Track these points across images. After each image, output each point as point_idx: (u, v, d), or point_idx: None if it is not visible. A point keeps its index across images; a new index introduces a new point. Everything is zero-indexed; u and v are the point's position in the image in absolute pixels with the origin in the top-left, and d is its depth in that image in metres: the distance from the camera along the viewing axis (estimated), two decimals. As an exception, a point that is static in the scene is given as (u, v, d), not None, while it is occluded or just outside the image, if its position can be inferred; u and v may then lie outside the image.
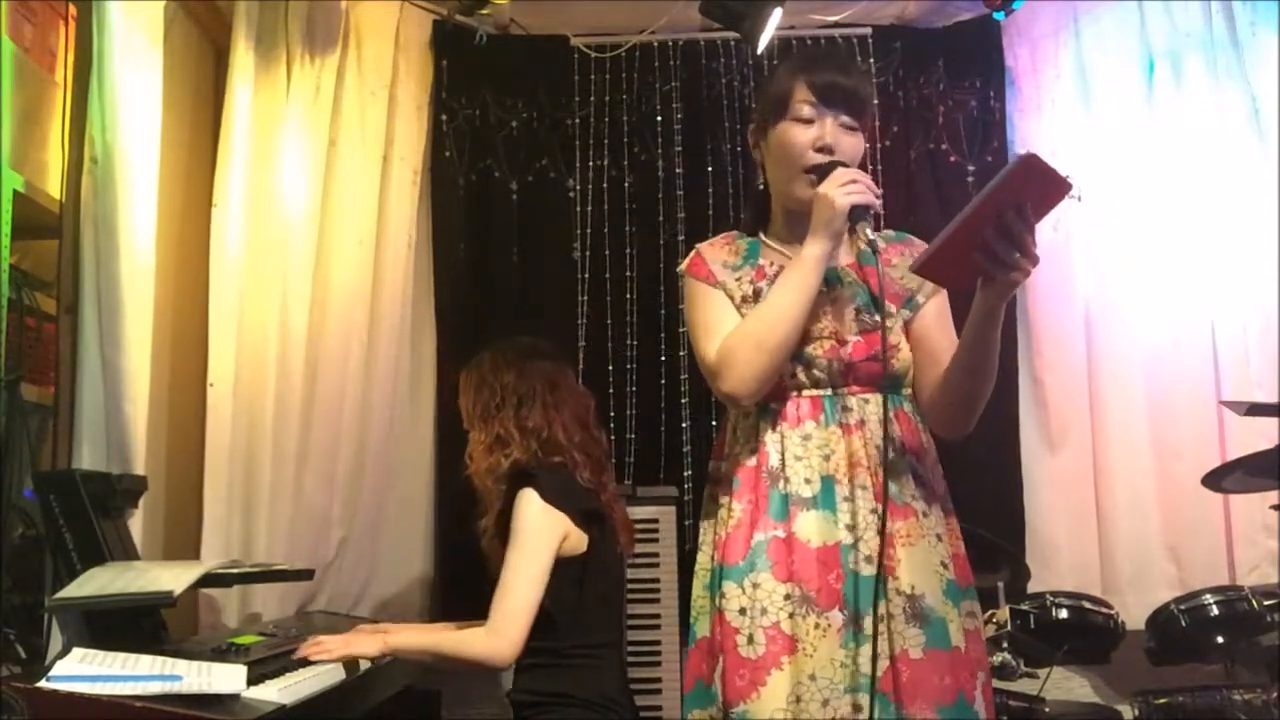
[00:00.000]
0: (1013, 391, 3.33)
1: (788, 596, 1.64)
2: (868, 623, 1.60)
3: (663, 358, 3.41)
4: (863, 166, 1.78)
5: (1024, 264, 1.50)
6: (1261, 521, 3.08)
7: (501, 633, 2.04)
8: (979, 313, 1.59)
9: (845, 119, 1.74)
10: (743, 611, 1.65)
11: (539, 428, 2.24)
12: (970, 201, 1.49)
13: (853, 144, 1.75)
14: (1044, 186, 1.49)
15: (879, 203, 1.68)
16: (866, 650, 1.59)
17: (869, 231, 1.64)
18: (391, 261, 3.29)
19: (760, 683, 1.60)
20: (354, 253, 3.18)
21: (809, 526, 1.66)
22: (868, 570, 1.63)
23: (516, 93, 3.53)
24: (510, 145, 3.51)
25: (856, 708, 1.59)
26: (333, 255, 3.13)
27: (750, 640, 1.63)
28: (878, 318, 1.73)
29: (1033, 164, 1.46)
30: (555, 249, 3.48)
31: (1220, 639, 2.70)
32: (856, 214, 1.65)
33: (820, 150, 1.72)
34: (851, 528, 1.66)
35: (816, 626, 1.62)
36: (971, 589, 1.75)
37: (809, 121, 1.73)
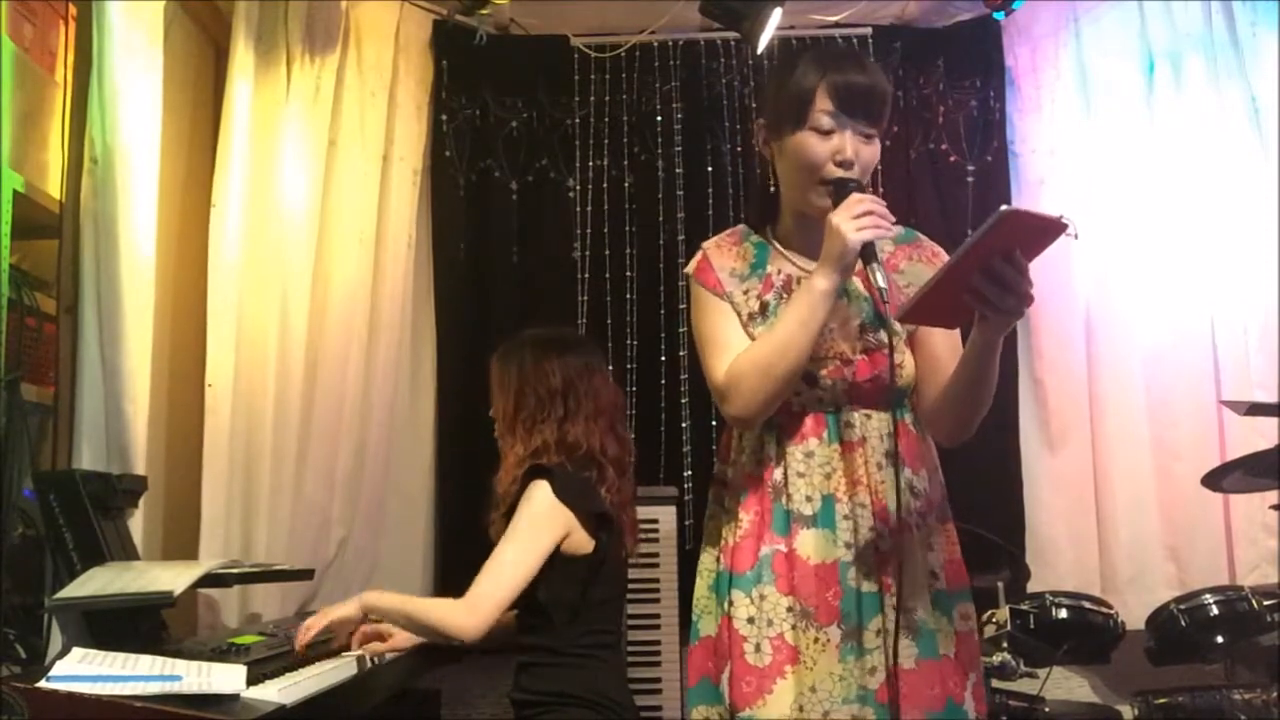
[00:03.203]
0: (1013, 391, 3.33)
1: (790, 609, 1.67)
2: (866, 636, 1.64)
3: (663, 357, 3.42)
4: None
5: (1017, 307, 1.47)
6: (1261, 521, 3.08)
7: (474, 608, 2.00)
8: (976, 346, 1.58)
9: (864, 128, 1.70)
10: (751, 621, 1.68)
11: (578, 442, 2.19)
12: (954, 252, 1.44)
13: (870, 153, 1.71)
14: (1031, 232, 1.43)
15: (892, 231, 1.66)
16: (865, 663, 1.63)
17: (879, 277, 1.60)
18: (391, 261, 3.30)
19: (767, 690, 1.64)
20: (354, 253, 3.18)
21: (808, 544, 1.69)
22: (866, 586, 1.66)
23: (516, 93, 3.53)
24: (510, 145, 3.51)
25: (855, 718, 1.62)
26: (333, 255, 3.13)
27: (757, 649, 1.67)
28: (882, 336, 1.72)
29: (1013, 219, 1.39)
30: (555, 249, 3.48)
31: (1220, 639, 2.70)
32: (868, 251, 1.61)
33: (839, 164, 1.68)
34: (850, 545, 1.68)
35: (816, 641, 1.65)
36: (966, 591, 1.76)
37: (828, 132, 1.68)
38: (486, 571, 2.05)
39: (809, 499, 1.70)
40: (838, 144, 1.68)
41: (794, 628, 1.66)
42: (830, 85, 1.68)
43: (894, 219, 1.65)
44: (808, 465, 1.71)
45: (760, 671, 1.65)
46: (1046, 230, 1.43)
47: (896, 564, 1.67)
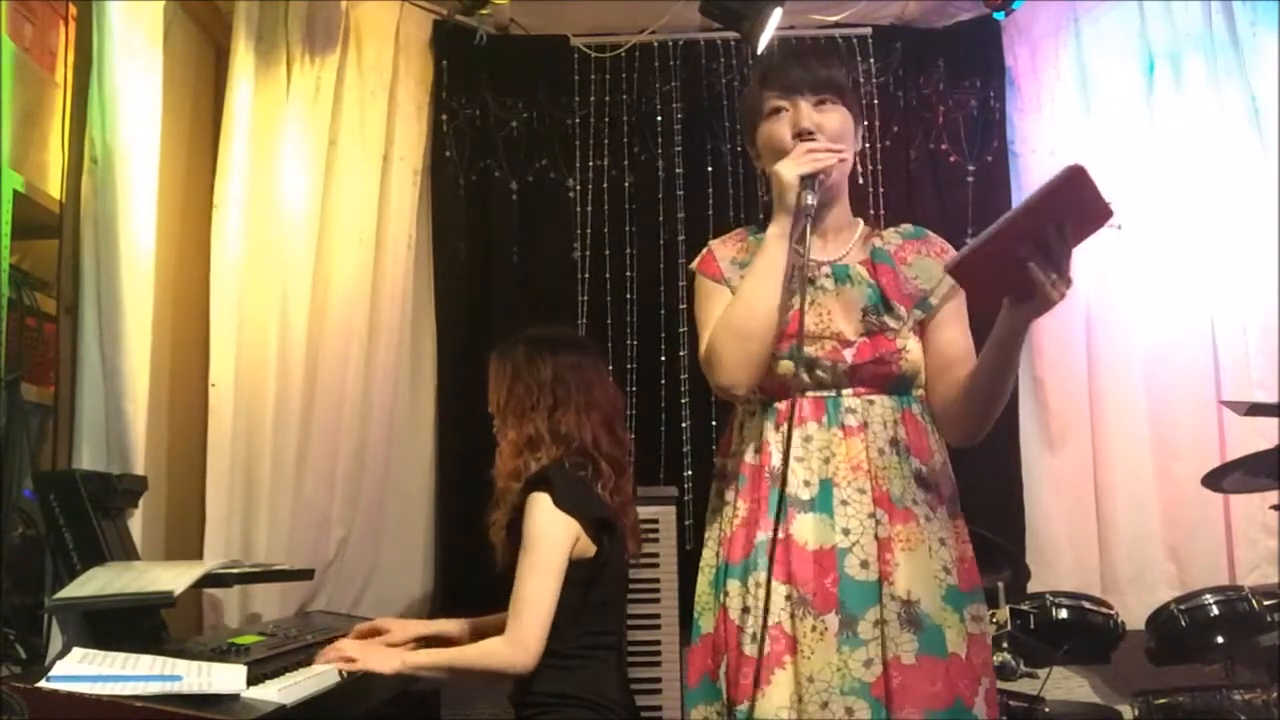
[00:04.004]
0: (1013, 391, 3.32)
1: (788, 597, 1.65)
2: (861, 627, 1.62)
3: (662, 358, 3.41)
4: (860, 156, 1.79)
5: (1059, 285, 1.48)
6: (1261, 521, 3.08)
7: (521, 641, 2.03)
8: (1003, 333, 1.58)
9: (816, 96, 1.74)
10: (746, 610, 1.66)
11: (571, 434, 2.21)
12: (1011, 210, 1.46)
13: (832, 120, 1.75)
14: (1086, 205, 1.44)
15: (845, 161, 1.71)
16: (859, 654, 1.61)
17: (809, 198, 1.65)
18: (391, 261, 3.29)
19: (765, 681, 1.62)
20: (354, 252, 3.18)
21: (805, 529, 1.67)
22: (863, 575, 1.64)
23: (516, 93, 3.53)
24: (510, 145, 3.51)
25: (849, 710, 1.60)
26: (333, 255, 3.13)
27: (754, 639, 1.64)
28: (885, 319, 1.72)
29: (1079, 177, 1.41)
30: (555, 249, 3.48)
31: (1220, 639, 2.70)
32: (806, 182, 1.67)
33: (799, 135, 1.73)
34: (847, 532, 1.66)
35: (814, 629, 1.63)
36: (978, 591, 1.74)
37: (785, 112, 1.75)
38: (517, 604, 2.06)
39: (807, 483, 1.68)
40: (793, 118, 1.74)
41: (792, 616, 1.63)
42: (771, 78, 1.79)
43: (840, 149, 1.70)
44: (806, 449, 1.70)
45: (758, 663, 1.62)
46: (1097, 211, 1.45)
47: (897, 554, 1.65)
